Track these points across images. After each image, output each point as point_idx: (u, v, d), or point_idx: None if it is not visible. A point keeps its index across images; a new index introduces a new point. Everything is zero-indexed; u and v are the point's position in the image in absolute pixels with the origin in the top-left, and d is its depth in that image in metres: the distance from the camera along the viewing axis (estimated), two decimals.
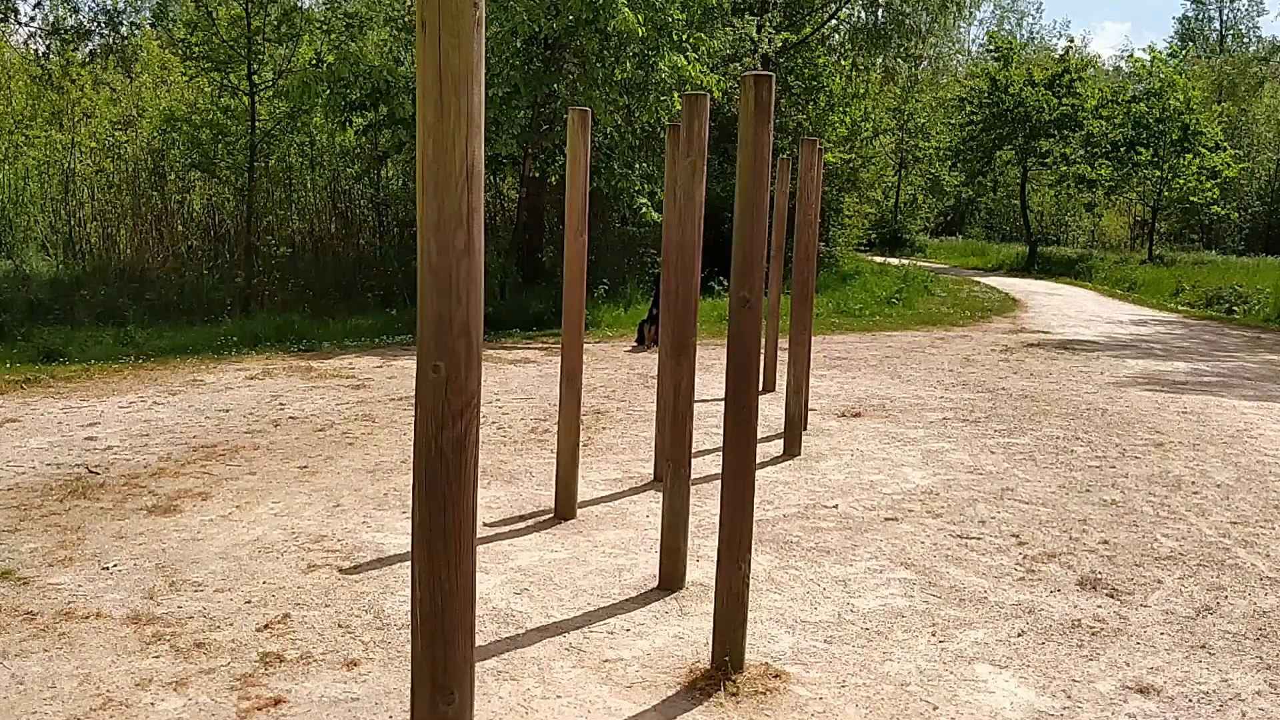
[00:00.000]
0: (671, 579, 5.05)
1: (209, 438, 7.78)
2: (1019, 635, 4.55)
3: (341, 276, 17.54)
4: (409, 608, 4.50)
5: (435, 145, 2.16)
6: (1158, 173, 33.34)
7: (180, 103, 19.56)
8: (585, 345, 6.48)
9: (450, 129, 2.16)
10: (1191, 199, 33.75)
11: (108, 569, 5.00)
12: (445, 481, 2.21)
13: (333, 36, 16.83)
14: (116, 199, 18.38)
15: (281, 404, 9.15)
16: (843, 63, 26.56)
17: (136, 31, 26.45)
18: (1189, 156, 32.74)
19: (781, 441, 7.97)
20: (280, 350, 12.53)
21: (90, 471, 6.75)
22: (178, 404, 9.03)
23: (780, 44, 22.64)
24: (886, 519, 6.22)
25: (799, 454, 7.85)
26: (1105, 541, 5.90)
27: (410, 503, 2.36)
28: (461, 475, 2.22)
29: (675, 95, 15.45)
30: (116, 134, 20.41)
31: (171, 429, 8.03)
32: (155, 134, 18.92)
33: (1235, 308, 21.95)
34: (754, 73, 3.99)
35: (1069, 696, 3.97)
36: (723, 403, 4.18)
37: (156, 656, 4.05)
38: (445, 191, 2.18)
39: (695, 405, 5.46)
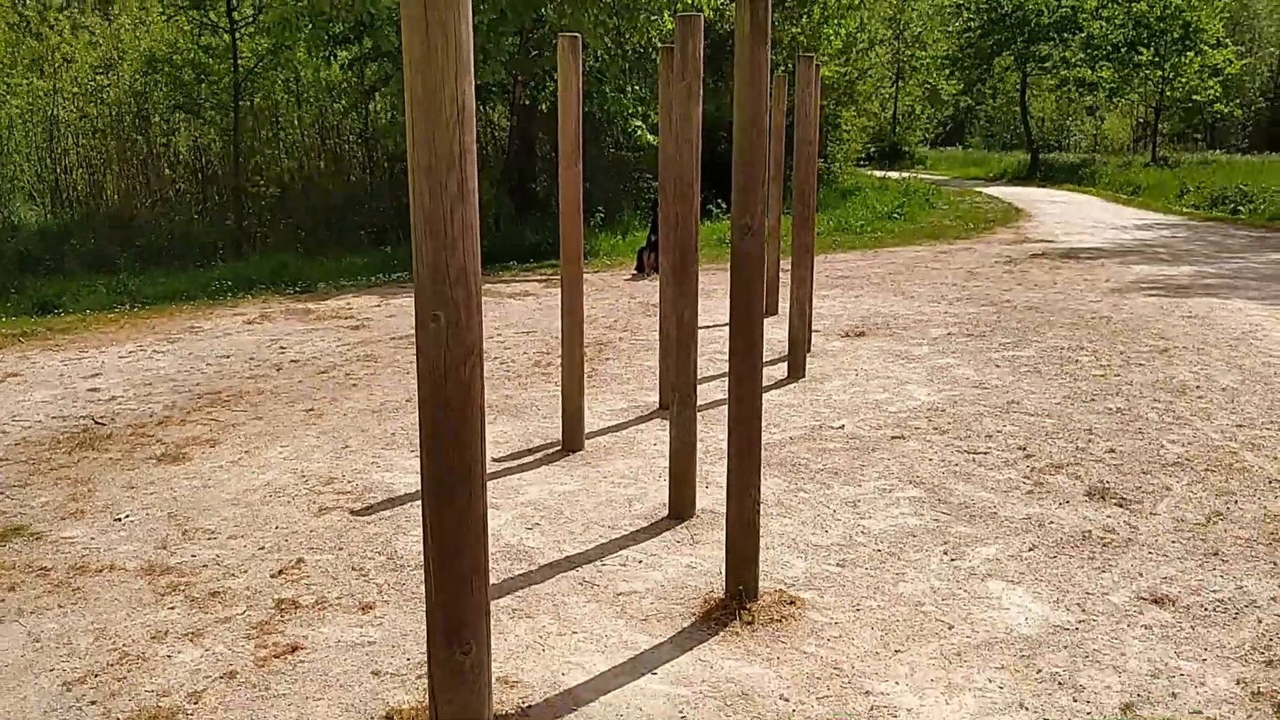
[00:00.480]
0: (681, 508, 5.06)
1: (212, 384, 7.75)
2: (1030, 550, 4.56)
3: (333, 215, 17.37)
4: (421, 546, 4.51)
5: (424, 85, 2.08)
6: (1159, 73, 32.83)
7: (160, 43, 19.19)
8: (584, 276, 6.41)
9: (438, 67, 2.07)
10: (1194, 98, 33.29)
11: (120, 520, 5.01)
12: (452, 431, 2.17)
13: None
14: (101, 144, 18.14)
15: (282, 347, 9.11)
16: None
17: None
18: (1190, 55, 32.20)
19: (785, 364, 7.94)
20: (276, 293, 12.45)
21: (96, 423, 6.74)
22: (178, 351, 8.99)
23: None
24: (893, 437, 6.21)
25: (803, 376, 7.82)
26: (1112, 450, 5.90)
27: (418, 441, 2.34)
28: (468, 424, 2.18)
29: (666, 15, 15.12)
30: (98, 78, 20.05)
31: (174, 377, 8.00)
32: (137, 76, 18.60)
33: (1241, 208, 21.75)
34: None
35: (1084, 610, 3.98)
36: (726, 328, 4.13)
37: (172, 608, 4.07)
38: (436, 132, 2.10)
39: (698, 332, 5.41)
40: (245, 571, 4.41)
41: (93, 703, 3.37)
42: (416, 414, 6.66)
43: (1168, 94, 33.65)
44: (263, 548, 4.67)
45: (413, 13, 2.09)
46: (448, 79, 2.08)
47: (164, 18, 18.88)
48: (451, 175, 2.12)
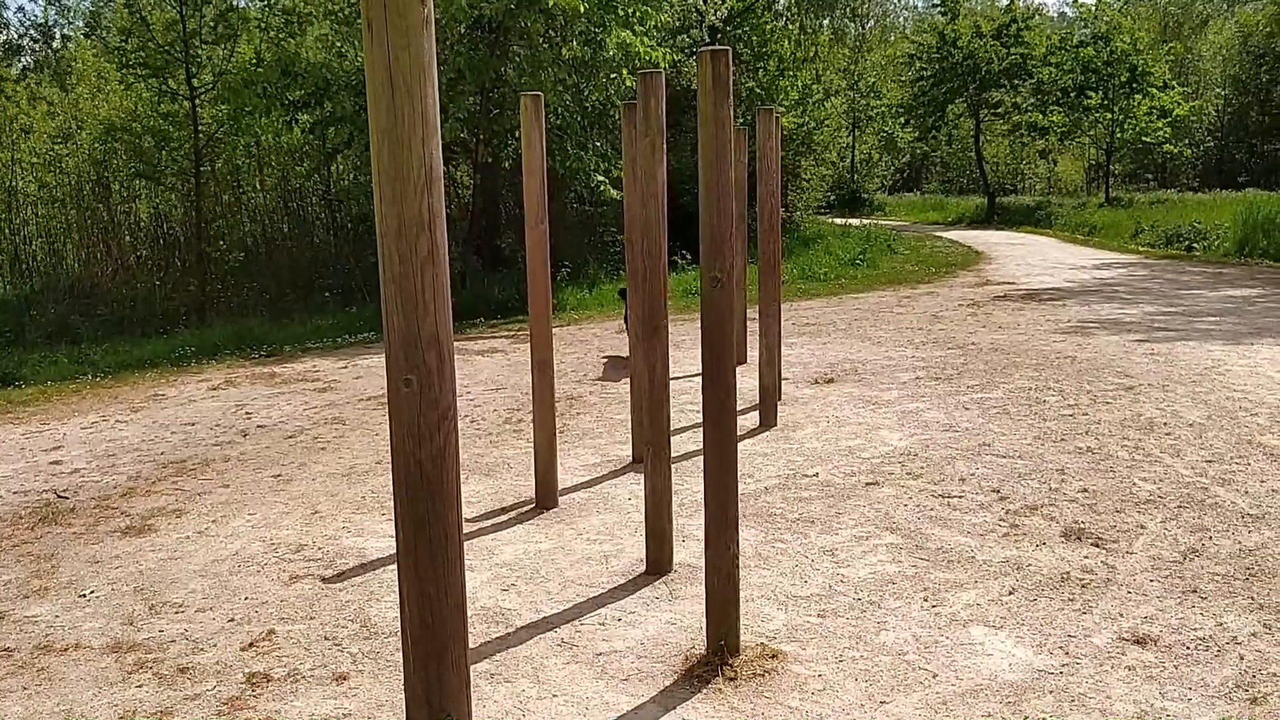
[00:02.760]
0: (659, 563, 5.01)
1: (177, 453, 7.63)
2: (1010, 593, 4.55)
3: (298, 277, 17.29)
4: (396, 613, 4.42)
5: (390, 150, 2.07)
6: (1109, 115, 33.56)
7: (119, 111, 19.18)
8: (553, 331, 6.39)
9: (405, 132, 2.06)
10: (1144, 139, 34.02)
11: (85, 596, 4.88)
12: (427, 497, 2.13)
13: (271, 34, 16.51)
14: (61, 213, 18.01)
15: (248, 413, 9.00)
16: (790, 26, 26.44)
17: (69, 43, 25.88)
18: (1139, 98, 32.97)
19: (757, 413, 7.93)
20: (241, 357, 12.33)
21: (59, 496, 6.60)
22: (141, 421, 8.86)
23: (726, 12, 22.48)
24: (868, 484, 6.21)
25: (775, 424, 7.82)
26: (1085, 490, 5.92)
27: (390, 504, 2.29)
28: (443, 489, 2.14)
29: (625, 72, 15.30)
30: (56, 147, 19.98)
31: (138, 447, 7.87)
32: (96, 145, 18.54)
33: (1195, 245, 22.16)
34: (710, 48, 3.90)
35: (1066, 653, 3.97)
36: (696, 379, 4.12)
37: (140, 686, 3.95)
38: (404, 197, 2.09)
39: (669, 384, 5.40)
40: (214, 645, 4.30)
41: None
42: (386, 476, 6.56)
43: (1118, 136, 34.39)
44: (232, 619, 4.56)
45: (378, 77, 2.09)
46: (414, 143, 2.07)
47: (122, 86, 18.87)
48: (421, 239, 2.11)
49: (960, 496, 5.91)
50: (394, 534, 2.33)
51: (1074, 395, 8.36)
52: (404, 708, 2.61)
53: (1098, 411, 7.77)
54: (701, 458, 4.23)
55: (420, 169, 2.08)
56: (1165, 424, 7.31)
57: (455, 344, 2.21)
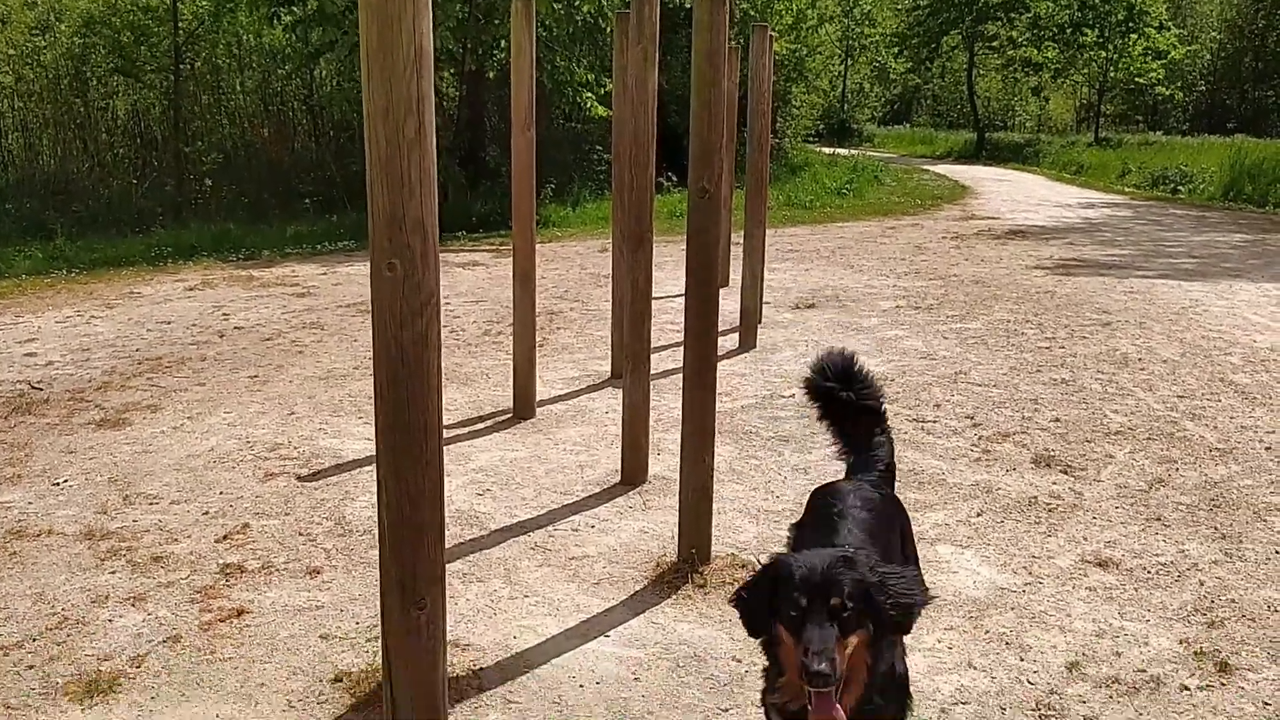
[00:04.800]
0: (634, 473, 5.05)
1: (153, 350, 7.58)
2: (978, 515, 4.62)
3: (278, 182, 17.01)
4: (371, 513, 4.45)
5: (379, 24, 2.01)
6: (1104, 54, 33.26)
7: (99, 3, 18.62)
8: (536, 245, 6.34)
9: (395, 8, 2.01)
10: (1137, 79, 33.79)
11: (58, 485, 4.88)
12: (408, 380, 2.12)
13: None
14: (38, 108, 17.58)
15: (225, 314, 8.93)
16: None
17: None
18: (1134, 37, 32.66)
19: (737, 335, 7.95)
20: (218, 259, 12.20)
21: (33, 387, 6.56)
22: (116, 317, 8.78)
23: None
24: None
25: (755, 346, 7.84)
26: (1057, 419, 5.99)
27: (367, 408, 2.28)
28: (424, 374, 2.13)
29: None
30: (34, 39, 19.42)
31: (112, 343, 7.81)
32: (75, 38, 18.03)
33: (1180, 188, 22.16)
34: None
35: (1030, 573, 4.04)
36: (678, 300, 4.11)
37: (113, 572, 3.97)
38: (392, 76, 2.04)
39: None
40: (189, 536, 4.32)
41: (30, 667, 3.28)
42: (365, 382, 6.55)
43: (1111, 75, 34.15)
44: (207, 513, 4.57)
45: None
46: (405, 18, 2.01)
47: None
48: (409, 120, 2.07)
49: (935, 422, 5.96)
50: (372, 436, 2.33)
51: (1052, 329, 8.41)
52: (378, 600, 2.63)
53: (1074, 345, 7.83)
54: (680, 376, 4.24)
55: (410, 47, 2.03)
56: (1140, 359, 7.38)
57: None
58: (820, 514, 2.85)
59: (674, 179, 17.90)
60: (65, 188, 15.67)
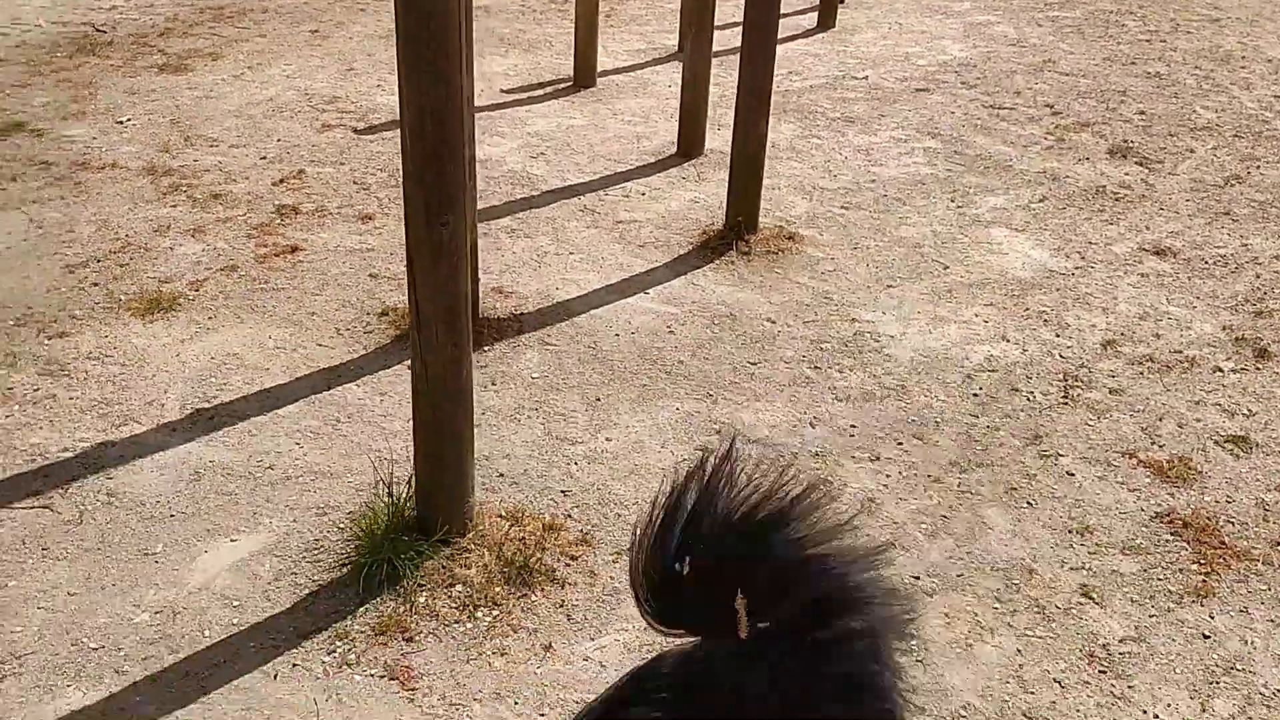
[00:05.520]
0: (690, 145, 4.94)
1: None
2: (1040, 201, 4.49)
3: None
4: None
5: None
6: None
7: None
8: None
9: None
10: None
11: (121, 123, 4.94)
12: None
13: None
14: None
15: None
16: None
17: None
18: None
19: (816, 14, 7.51)
20: None
21: (97, 30, 6.52)
22: None
23: None
24: (918, 90, 5.97)
25: (833, 26, 7.42)
26: (1142, 112, 5.68)
27: None
28: None
29: None
30: None
31: None
32: None
33: None
34: None
35: (1083, 258, 3.97)
36: None
37: (174, 205, 4.09)
38: None
39: None
40: (247, 178, 4.40)
41: (95, 284, 3.46)
42: None
43: None
44: (264, 157, 4.62)
45: None
46: None
47: None
48: None
49: (1012, 109, 5.69)
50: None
51: (1156, 22, 7.80)
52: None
53: (1176, 40, 7.28)
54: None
55: None
56: (1243, 57, 6.87)
57: None
58: None
59: None
60: None
